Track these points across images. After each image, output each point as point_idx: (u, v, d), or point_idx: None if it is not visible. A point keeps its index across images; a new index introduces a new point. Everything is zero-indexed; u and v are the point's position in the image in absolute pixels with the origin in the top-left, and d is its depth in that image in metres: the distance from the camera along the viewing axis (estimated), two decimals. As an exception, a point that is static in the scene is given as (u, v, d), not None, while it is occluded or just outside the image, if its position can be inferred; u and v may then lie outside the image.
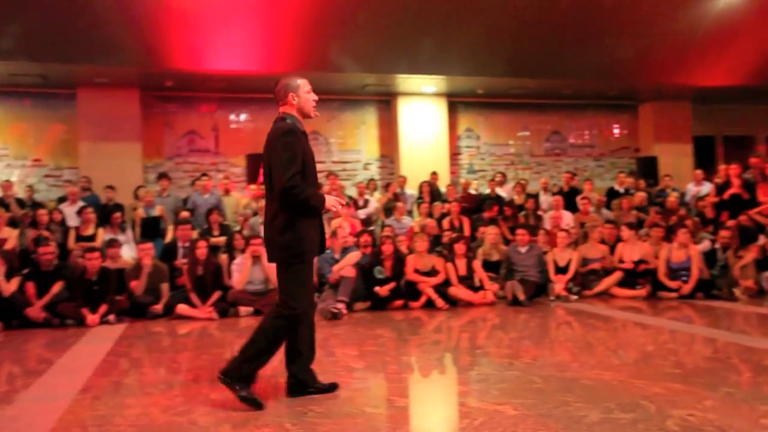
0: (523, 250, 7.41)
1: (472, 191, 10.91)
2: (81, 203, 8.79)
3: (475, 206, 9.99)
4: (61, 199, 9.44)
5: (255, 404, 3.24)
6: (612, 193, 10.37)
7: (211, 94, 11.71)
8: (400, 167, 11.95)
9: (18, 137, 10.99)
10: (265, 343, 3.34)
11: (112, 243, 7.37)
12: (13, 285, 6.39)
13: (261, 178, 10.28)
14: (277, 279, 3.42)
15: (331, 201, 3.41)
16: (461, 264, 7.22)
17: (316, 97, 3.54)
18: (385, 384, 3.90)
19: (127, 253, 7.88)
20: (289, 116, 3.43)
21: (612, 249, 7.91)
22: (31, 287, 6.50)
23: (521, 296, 6.80)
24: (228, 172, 11.59)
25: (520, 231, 7.53)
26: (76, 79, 10.37)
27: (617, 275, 7.54)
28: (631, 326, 5.75)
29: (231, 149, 11.90)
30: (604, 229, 8.20)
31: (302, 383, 3.50)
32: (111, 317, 6.43)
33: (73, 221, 8.46)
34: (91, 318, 6.30)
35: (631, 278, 7.51)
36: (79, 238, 7.96)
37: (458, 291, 7.03)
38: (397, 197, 10.17)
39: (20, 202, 9.05)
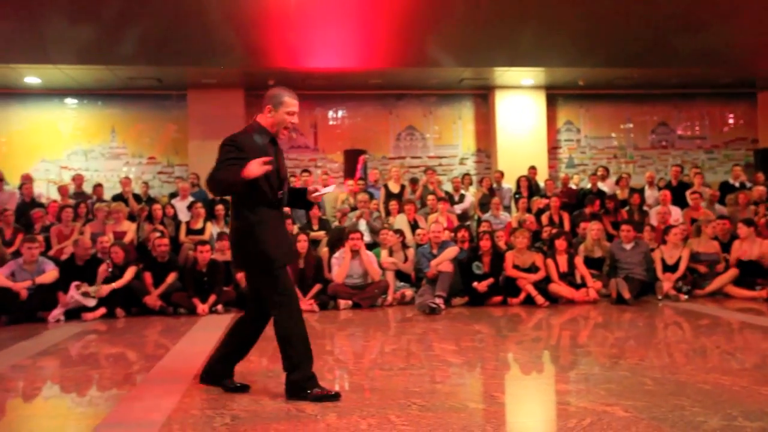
0: (628, 246, 7.11)
1: (572, 186, 10.60)
2: (191, 198, 9.29)
3: (576, 201, 9.70)
4: (173, 195, 10.02)
5: (332, 397, 3.30)
6: (726, 188, 9.75)
7: (310, 92, 11.99)
8: (497, 162, 11.78)
9: (135, 137, 11.76)
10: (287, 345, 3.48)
11: (222, 236, 7.72)
12: (129, 274, 6.83)
13: (358, 174, 10.49)
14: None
15: (252, 166, 3.14)
16: (562, 260, 7.03)
17: (295, 121, 3.40)
18: (485, 380, 3.86)
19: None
20: (256, 125, 3.38)
21: (727, 247, 7.45)
22: (148, 277, 6.95)
23: (626, 295, 6.54)
24: (326, 168, 11.86)
25: (624, 227, 7.23)
26: (187, 81, 10.97)
27: (732, 273, 7.09)
28: (750, 329, 5.39)
29: (329, 145, 12.18)
30: (718, 224, 7.73)
31: (217, 374, 3.60)
32: (219, 307, 6.75)
33: (183, 216, 8.95)
34: (202, 307, 6.65)
35: (749, 278, 7.04)
36: (190, 232, 8.41)
37: (559, 288, 6.85)
38: (492, 192, 10.04)
39: (137, 198, 9.69)
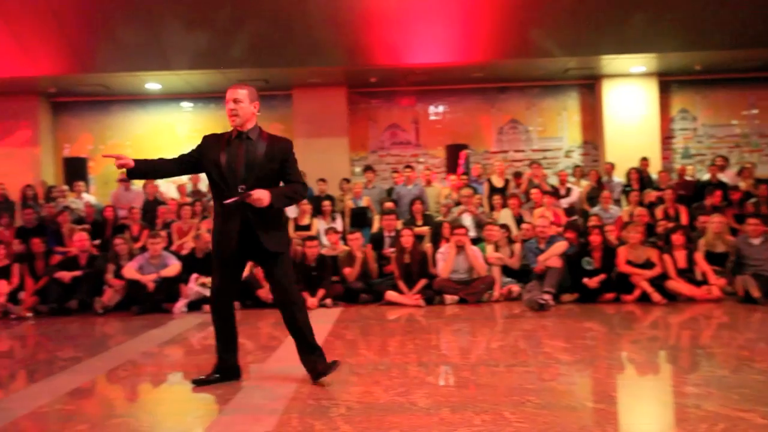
0: (756, 241, 6.62)
1: (689, 177, 10.00)
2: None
3: (693, 193, 9.15)
4: (281, 192, 10.36)
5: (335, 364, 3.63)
6: None
7: (411, 88, 12.07)
8: (605, 154, 11.32)
9: (244, 137, 12.26)
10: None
11: (330, 231, 7.92)
12: (247, 269, 7.14)
13: (461, 169, 10.42)
14: None
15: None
16: (680, 256, 6.66)
17: (229, 109, 3.54)
18: (600, 379, 3.73)
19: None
20: None
21: None
22: (259, 272, 7.23)
23: (755, 293, 6.09)
24: (428, 164, 11.87)
25: (752, 220, 6.74)
26: (292, 80, 11.33)
27: None
28: None
29: (431, 141, 12.18)
30: None
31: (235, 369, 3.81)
32: (328, 301, 6.93)
33: (291, 212, 9.25)
34: (311, 301, 6.84)
35: None
36: (297, 228, 8.68)
37: (678, 285, 6.49)
38: (600, 185, 9.66)
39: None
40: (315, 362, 3.66)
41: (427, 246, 7.65)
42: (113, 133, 12.20)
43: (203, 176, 10.92)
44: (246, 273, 7.10)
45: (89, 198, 10.00)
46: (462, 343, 5.11)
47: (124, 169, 3.57)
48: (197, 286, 6.92)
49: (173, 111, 12.26)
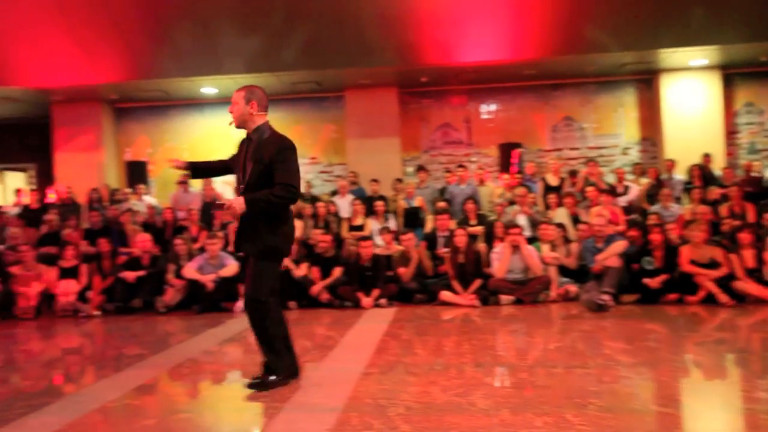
0: (828, 239, 6.31)
1: (755, 173, 9.60)
2: (350, 196, 9.66)
3: (760, 190, 8.78)
4: (333, 193, 10.47)
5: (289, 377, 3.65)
6: None
7: (463, 87, 11.98)
8: (664, 150, 10.98)
9: (297, 138, 12.24)
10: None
11: (383, 231, 7.95)
12: (303, 269, 7.25)
13: (514, 168, 10.29)
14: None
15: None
16: (748, 255, 6.40)
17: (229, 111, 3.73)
18: (665, 382, 3.62)
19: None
20: None
21: None
22: (315, 271, 7.32)
23: (828, 294, 5.81)
24: (481, 163, 11.77)
25: (824, 217, 6.43)
26: (344, 82, 11.40)
27: None
28: None
29: (483, 139, 12.06)
30: None
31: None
32: (383, 301, 6.95)
33: (344, 212, 9.33)
34: (366, 301, 6.89)
35: None
36: (351, 228, 8.75)
37: (747, 285, 6.23)
38: (660, 182, 9.37)
39: (301, 196, 10.25)
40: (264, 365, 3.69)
41: (481, 246, 7.59)
42: (171, 137, 12.55)
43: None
44: (302, 273, 7.24)
45: (150, 200, 10.31)
46: (519, 344, 5.05)
47: (184, 171, 3.75)
48: None
49: (228, 114, 12.47)
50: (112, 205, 9.74)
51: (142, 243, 7.72)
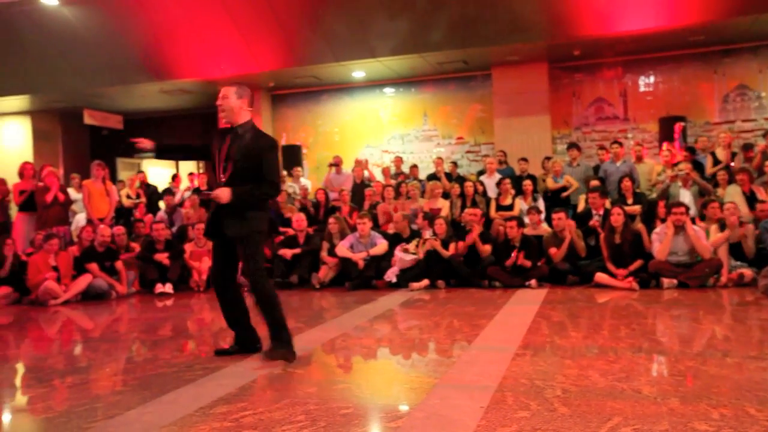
0: None
1: None
2: (497, 175, 9.49)
3: None
4: (480, 173, 10.35)
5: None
6: None
7: (618, 59, 11.31)
8: None
9: (444, 119, 12.44)
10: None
11: (532, 211, 7.74)
12: (451, 249, 7.25)
13: (677, 143, 9.53)
14: None
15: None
16: None
17: (218, 105, 3.89)
18: None
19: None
20: None
21: None
22: (462, 246, 7.29)
23: None
24: (638, 138, 11.04)
25: None
26: (491, 60, 11.19)
27: None
28: None
29: (641, 114, 11.32)
30: None
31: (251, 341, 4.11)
32: (533, 282, 6.78)
33: (492, 192, 9.19)
34: (517, 281, 6.76)
35: None
36: (499, 208, 8.60)
37: None
38: None
39: (448, 176, 10.24)
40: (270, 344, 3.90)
41: (639, 226, 7.13)
42: (324, 121, 13.07)
43: (406, 159, 11.29)
44: (450, 252, 7.24)
45: (306, 182, 10.83)
46: (683, 330, 4.69)
47: (149, 151, 4.02)
48: (401, 252, 7.18)
49: (377, 97, 12.78)
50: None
51: (298, 222, 8.13)
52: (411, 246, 7.26)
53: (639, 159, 9.25)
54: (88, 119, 13.40)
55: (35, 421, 2.97)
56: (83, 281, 7.28)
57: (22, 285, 7.41)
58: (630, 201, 7.90)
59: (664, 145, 9.16)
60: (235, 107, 3.86)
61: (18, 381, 3.91)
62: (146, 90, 12.28)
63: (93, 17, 10.67)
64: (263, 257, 4.03)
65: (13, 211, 9.18)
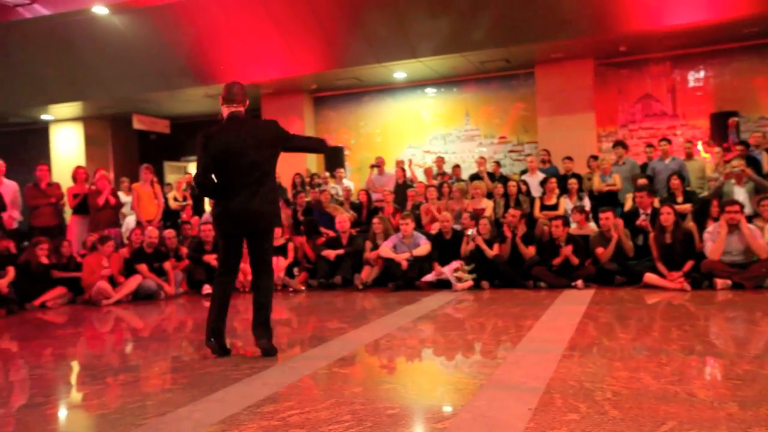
0: None
1: None
2: (540, 174, 9.35)
3: None
4: (523, 172, 10.21)
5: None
6: None
7: (667, 53, 11.02)
8: None
9: (486, 118, 12.33)
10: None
11: (576, 211, 7.61)
12: (495, 249, 7.19)
13: (731, 139, 9.24)
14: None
15: None
16: None
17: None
18: None
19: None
20: (223, 118, 4.15)
21: None
22: (505, 248, 7.21)
23: None
24: (687, 135, 10.73)
25: None
26: (535, 57, 11.04)
27: None
28: None
29: (691, 110, 11.01)
30: None
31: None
32: (579, 282, 6.65)
33: (535, 191, 9.06)
34: (563, 281, 6.65)
35: None
36: (544, 207, 8.47)
37: None
38: None
39: (491, 176, 10.15)
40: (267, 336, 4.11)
41: (690, 224, 6.93)
42: (365, 123, 13.12)
43: (448, 159, 11.25)
44: (494, 252, 7.16)
45: (348, 183, 10.88)
46: (739, 333, 4.53)
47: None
48: (451, 274, 7.05)
49: (418, 97, 12.76)
50: (313, 188, 10.43)
51: (341, 223, 8.16)
52: (466, 270, 7.07)
53: (689, 156, 9.00)
54: (137, 124, 13.76)
55: (91, 417, 3.06)
56: (133, 282, 7.46)
57: (76, 285, 7.64)
58: (680, 199, 7.68)
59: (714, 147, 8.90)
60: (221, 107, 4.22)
61: (73, 378, 4.03)
62: (192, 94, 12.53)
63: (141, 25, 10.95)
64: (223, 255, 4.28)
65: (67, 214, 9.48)
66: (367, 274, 7.58)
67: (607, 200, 8.54)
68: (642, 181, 8.34)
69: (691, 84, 11.08)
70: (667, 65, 11.19)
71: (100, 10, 10.47)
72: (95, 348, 5.07)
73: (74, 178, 9.02)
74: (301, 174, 11.04)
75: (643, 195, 7.48)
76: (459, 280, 6.98)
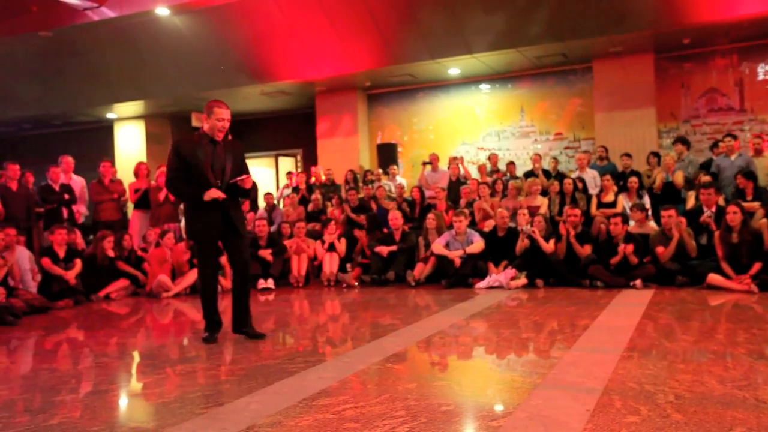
0: None
1: None
2: (590, 171, 9.15)
3: None
4: (579, 169, 9.99)
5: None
6: None
7: (734, 45, 10.58)
8: None
9: (542, 114, 12.11)
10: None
11: (635, 209, 7.40)
12: (551, 245, 7.06)
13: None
14: None
15: (209, 193, 4.44)
16: None
17: (224, 126, 4.59)
18: None
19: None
20: (200, 131, 4.63)
21: None
22: (560, 247, 7.07)
23: None
24: (756, 131, 10.28)
25: None
26: (592, 52, 10.78)
27: None
28: None
29: (760, 104, 10.54)
30: None
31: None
32: (638, 282, 6.47)
33: (593, 189, 8.85)
34: (621, 280, 6.48)
35: None
36: (600, 205, 8.27)
37: None
38: None
39: (546, 173, 9.97)
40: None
41: (761, 222, 6.63)
42: (419, 120, 13.08)
43: (502, 156, 11.11)
44: (550, 248, 7.05)
45: (401, 180, 10.89)
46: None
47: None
48: (507, 281, 6.94)
49: (472, 93, 12.63)
50: (365, 185, 10.49)
51: (394, 220, 8.17)
52: (518, 282, 6.94)
53: (758, 152, 8.62)
54: (196, 122, 14.10)
55: (152, 405, 3.15)
56: (192, 275, 7.66)
57: (137, 277, 7.90)
58: (749, 197, 7.37)
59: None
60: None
61: (134, 368, 4.17)
62: (248, 92, 12.76)
63: (200, 25, 11.21)
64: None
65: (129, 209, 9.81)
66: (420, 270, 7.56)
67: (667, 198, 8.27)
68: (706, 178, 8.05)
69: (761, 77, 10.60)
70: (734, 57, 10.74)
71: (162, 11, 10.77)
72: (155, 339, 5.23)
73: (136, 174, 9.33)
74: (353, 170, 11.11)
75: (710, 192, 7.20)
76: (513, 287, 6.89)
